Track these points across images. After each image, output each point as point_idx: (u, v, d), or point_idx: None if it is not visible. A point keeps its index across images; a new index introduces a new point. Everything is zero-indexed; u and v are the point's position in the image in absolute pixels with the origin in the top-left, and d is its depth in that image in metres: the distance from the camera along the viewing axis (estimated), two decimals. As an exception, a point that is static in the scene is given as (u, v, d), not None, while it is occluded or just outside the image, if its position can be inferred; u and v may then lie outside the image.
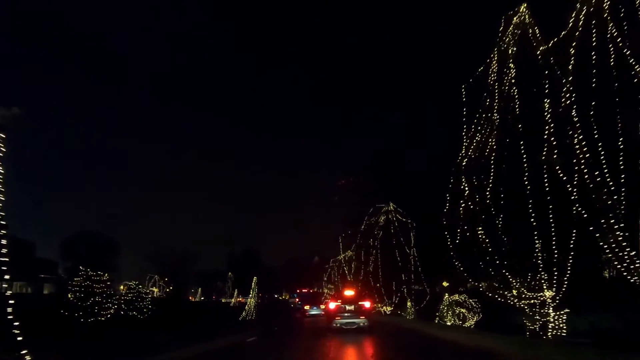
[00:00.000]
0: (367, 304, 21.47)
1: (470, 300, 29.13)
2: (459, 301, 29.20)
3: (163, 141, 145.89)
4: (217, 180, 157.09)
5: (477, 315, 28.76)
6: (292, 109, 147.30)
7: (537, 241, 11.64)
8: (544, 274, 12.38)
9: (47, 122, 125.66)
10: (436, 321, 30.04)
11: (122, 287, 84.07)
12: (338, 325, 19.53)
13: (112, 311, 22.43)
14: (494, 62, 13.22)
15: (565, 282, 12.29)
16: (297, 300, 73.06)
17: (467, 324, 28.43)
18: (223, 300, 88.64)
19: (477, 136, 13.02)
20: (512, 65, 12.62)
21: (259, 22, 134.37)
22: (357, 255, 41.92)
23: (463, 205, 13.16)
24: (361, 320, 19.64)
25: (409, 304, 32.08)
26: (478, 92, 13.62)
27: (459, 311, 28.07)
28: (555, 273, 12.09)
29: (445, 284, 44.09)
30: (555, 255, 11.80)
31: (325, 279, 62.94)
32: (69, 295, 21.47)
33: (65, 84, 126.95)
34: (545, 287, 12.52)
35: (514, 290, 12.64)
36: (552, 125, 11.78)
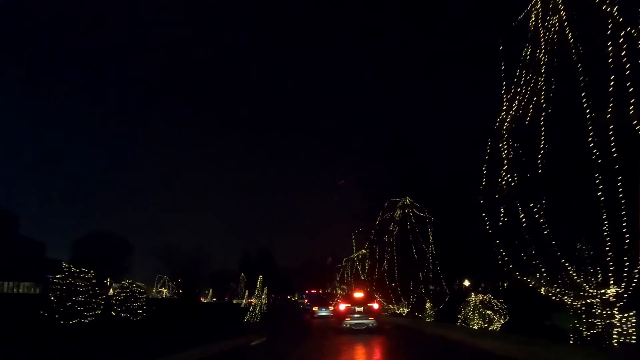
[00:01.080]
0: (375, 306, 21.93)
1: (495, 301, 26.48)
2: (484, 302, 26.48)
3: (176, 143, 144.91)
4: (232, 181, 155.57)
5: (502, 317, 26.10)
6: (304, 105, 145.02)
7: (605, 223, 8.95)
8: (608, 266, 9.67)
9: (58, 122, 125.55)
10: (458, 324, 27.36)
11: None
12: (348, 325, 20.06)
13: (98, 312, 20.18)
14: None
15: (637, 276, 9.59)
16: (305, 301, 70.99)
17: (492, 327, 25.69)
18: (234, 302, 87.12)
19: (520, 95, 10.40)
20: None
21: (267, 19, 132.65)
22: (370, 253, 39.26)
23: (505, 179, 10.47)
24: (370, 321, 20.10)
25: (428, 304, 29.39)
26: (518, 43, 11.01)
27: (484, 313, 25.31)
28: (626, 263, 9.39)
29: (466, 282, 41.16)
30: (627, 241, 9.09)
31: (338, 278, 60.33)
32: (50, 295, 19.28)
33: (75, 84, 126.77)
34: (610, 282, 9.81)
35: (572, 286, 9.90)
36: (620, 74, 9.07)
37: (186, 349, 12.70)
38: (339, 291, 56.95)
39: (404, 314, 34.72)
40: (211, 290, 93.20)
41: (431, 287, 33.78)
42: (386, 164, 40.59)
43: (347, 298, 25.62)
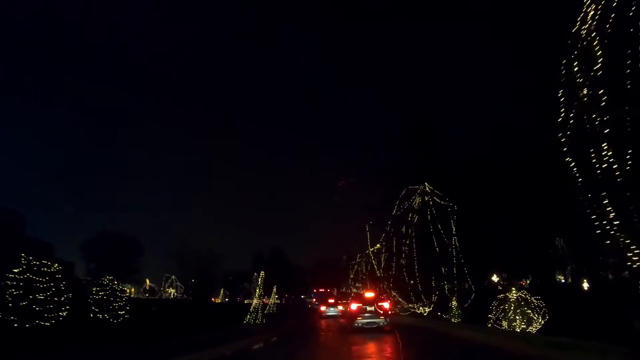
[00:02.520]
0: (386, 305, 22.28)
1: (533, 299, 22.81)
2: (521, 299, 22.76)
3: (188, 142, 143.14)
4: (246, 180, 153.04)
5: (542, 316, 22.40)
6: (317, 97, 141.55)
7: None
8: None
9: (67, 123, 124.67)
10: (489, 325, 23.68)
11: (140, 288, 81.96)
12: (359, 325, 20.23)
13: (63, 313, 17.05)
14: None
15: None
16: (313, 300, 68.06)
17: (531, 328, 21.97)
18: (246, 302, 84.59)
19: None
20: None
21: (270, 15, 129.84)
22: (387, 247, 35.60)
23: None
24: (381, 320, 20.28)
25: (454, 302, 25.65)
26: None
27: (523, 311, 21.55)
28: None
29: (495, 278, 37.22)
30: None
31: (352, 276, 56.71)
32: (6, 293, 16.21)
33: (84, 84, 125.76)
34: None
35: None
36: None
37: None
38: (354, 290, 53.47)
39: (424, 314, 31.03)
40: (222, 290, 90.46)
41: (445, 285, 30.15)
42: (405, 147, 36.63)
43: (359, 298, 25.73)
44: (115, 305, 21.06)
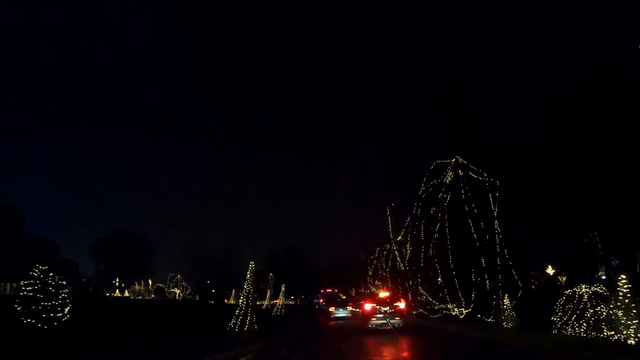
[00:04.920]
0: (402, 305, 21.86)
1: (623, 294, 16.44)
2: (599, 295, 16.46)
3: (200, 141, 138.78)
4: (261, 178, 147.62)
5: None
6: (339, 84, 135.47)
7: None
8: None
9: (78, 122, 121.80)
10: (555, 331, 17.48)
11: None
12: (373, 325, 19.66)
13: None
14: None
15: None
16: (320, 301, 63.30)
17: (620, 336, 15.56)
18: (258, 303, 79.43)
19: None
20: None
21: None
22: (413, 233, 29.31)
23: None
24: (396, 321, 19.66)
25: (506, 301, 19.33)
26: None
27: (608, 313, 15.26)
28: None
29: (549, 271, 30.34)
30: None
31: (370, 273, 50.55)
32: None
33: (93, 85, 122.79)
34: None
35: None
36: None
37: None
38: (374, 289, 47.44)
39: (461, 316, 24.75)
40: (234, 291, 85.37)
41: (499, 277, 23.88)
42: (432, 114, 30.07)
43: (373, 298, 25.16)
44: (47, 305, 15.59)
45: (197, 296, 78.19)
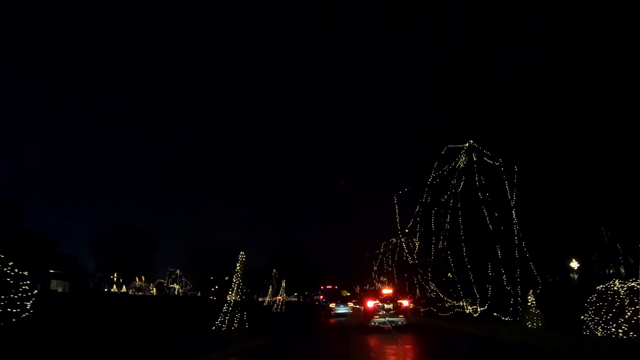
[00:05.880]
0: (405, 302, 21.08)
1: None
2: (634, 291, 14.14)
3: (203, 138, 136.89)
4: (264, 175, 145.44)
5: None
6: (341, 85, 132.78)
7: None
8: None
9: (80, 117, 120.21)
10: (587, 332, 15.22)
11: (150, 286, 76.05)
12: (376, 323, 19.23)
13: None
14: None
15: None
16: (320, 297, 61.88)
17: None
18: (259, 299, 78.25)
19: None
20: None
21: None
22: (422, 223, 27.03)
23: None
24: (400, 319, 19.20)
25: (530, 299, 16.97)
26: None
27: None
28: None
29: (573, 264, 27.83)
30: None
31: (375, 268, 48.40)
32: None
33: (99, 74, 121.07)
34: None
35: None
36: None
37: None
38: (378, 285, 45.41)
39: (475, 315, 22.45)
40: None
41: (518, 272, 21.59)
42: (444, 97, 27.70)
43: (375, 295, 24.57)
44: (4, 299, 13.50)
45: (199, 292, 76.91)
